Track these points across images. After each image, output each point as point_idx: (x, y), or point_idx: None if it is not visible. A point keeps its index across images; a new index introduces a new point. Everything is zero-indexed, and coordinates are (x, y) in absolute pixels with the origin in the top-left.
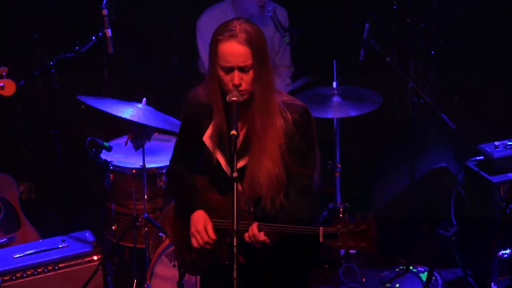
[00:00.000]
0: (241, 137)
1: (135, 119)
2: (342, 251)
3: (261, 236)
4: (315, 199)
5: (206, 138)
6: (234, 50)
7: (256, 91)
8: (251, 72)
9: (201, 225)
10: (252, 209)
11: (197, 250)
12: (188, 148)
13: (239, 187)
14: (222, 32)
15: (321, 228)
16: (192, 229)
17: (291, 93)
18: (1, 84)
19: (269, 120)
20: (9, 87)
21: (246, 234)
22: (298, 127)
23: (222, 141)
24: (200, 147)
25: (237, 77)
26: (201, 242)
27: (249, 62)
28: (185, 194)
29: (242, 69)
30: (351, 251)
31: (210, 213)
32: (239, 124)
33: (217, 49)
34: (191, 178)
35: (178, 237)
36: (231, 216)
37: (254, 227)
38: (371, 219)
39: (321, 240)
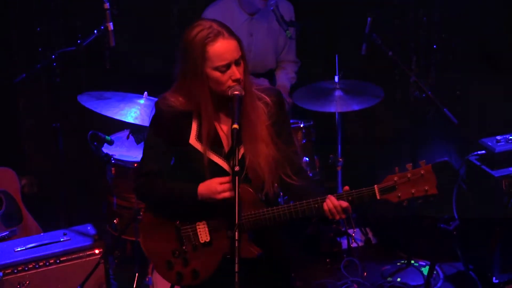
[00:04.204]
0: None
1: (138, 121)
2: (345, 245)
3: (344, 203)
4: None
5: (193, 140)
6: (227, 46)
7: (245, 81)
8: (242, 64)
9: (219, 184)
10: (263, 197)
11: (198, 256)
12: (166, 157)
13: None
14: (204, 36)
15: (375, 186)
16: (218, 189)
17: (293, 85)
18: None
19: (255, 107)
20: None
21: (326, 207)
22: (280, 107)
23: (214, 141)
24: (184, 152)
25: (237, 71)
26: (229, 191)
27: (240, 53)
28: (171, 187)
29: (237, 62)
30: (354, 244)
31: (208, 215)
32: (225, 119)
33: (205, 53)
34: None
35: (161, 255)
36: (235, 209)
37: (333, 199)
38: (424, 163)
39: (378, 197)
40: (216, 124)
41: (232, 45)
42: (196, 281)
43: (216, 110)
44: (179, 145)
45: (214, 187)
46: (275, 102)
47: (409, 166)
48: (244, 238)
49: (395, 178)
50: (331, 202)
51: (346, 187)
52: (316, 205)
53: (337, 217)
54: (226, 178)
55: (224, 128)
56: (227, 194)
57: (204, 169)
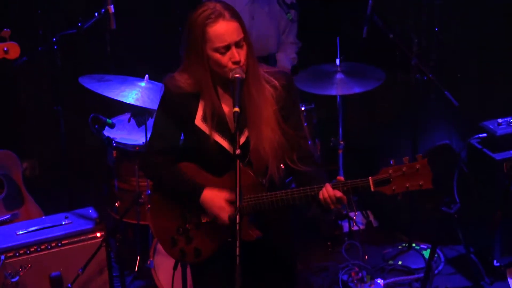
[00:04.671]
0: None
1: (138, 102)
2: (346, 228)
3: (338, 193)
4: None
5: (199, 121)
6: (227, 27)
7: (248, 64)
8: (245, 46)
9: (223, 202)
10: (264, 181)
11: (200, 234)
12: (174, 136)
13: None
14: (205, 16)
15: (370, 178)
16: (216, 211)
17: (295, 67)
18: (5, 48)
19: (261, 90)
20: (13, 50)
21: (321, 196)
22: (289, 91)
23: (219, 122)
24: (191, 132)
25: (236, 54)
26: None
27: (241, 35)
28: (179, 179)
29: (238, 45)
30: (355, 228)
31: None
32: (230, 102)
33: (205, 34)
34: (178, 166)
35: (166, 231)
36: (235, 194)
37: (328, 188)
38: (421, 157)
39: (372, 189)
40: (223, 105)
41: (232, 27)
42: (198, 259)
43: (222, 92)
44: (186, 125)
45: (219, 202)
46: (284, 85)
47: (405, 159)
48: (244, 221)
49: (390, 171)
50: (326, 192)
51: (340, 178)
52: (313, 193)
53: (332, 206)
54: (233, 196)
55: (229, 110)
56: (224, 218)
57: (209, 150)
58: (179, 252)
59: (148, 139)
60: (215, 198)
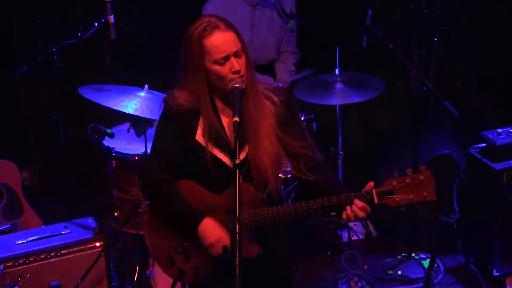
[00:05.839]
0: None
1: (138, 112)
2: (345, 238)
3: (360, 204)
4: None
5: (199, 137)
6: (224, 38)
7: (248, 75)
8: (243, 56)
9: (220, 232)
10: (265, 196)
11: (199, 253)
12: (175, 153)
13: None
14: (201, 30)
15: (373, 190)
16: (213, 240)
17: (293, 83)
18: None
19: (260, 102)
20: None
21: (345, 217)
22: (288, 106)
23: (219, 137)
24: (191, 148)
25: (236, 63)
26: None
27: (239, 45)
28: (179, 204)
29: (236, 54)
30: (354, 237)
31: (211, 213)
32: (230, 116)
33: (203, 47)
34: (176, 186)
35: (164, 250)
36: (235, 205)
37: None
38: (424, 169)
39: (376, 201)
40: (223, 120)
41: (229, 37)
42: (197, 278)
43: (222, 106)
44: (187, 142)
45: (216, 237)
46: (283, 101)
47: (409, 171)
48: (244, 237)
49: (394, 183)
50: (349, 209)
51: (371, 183)
52: (315, 207)
53: (362, 216)
54: (228, 245)
55: (229, 124)
56: (215, 252)
57: (209, 166)
58: (177, 271)
59: (148, 157)
60: (215, 229)
